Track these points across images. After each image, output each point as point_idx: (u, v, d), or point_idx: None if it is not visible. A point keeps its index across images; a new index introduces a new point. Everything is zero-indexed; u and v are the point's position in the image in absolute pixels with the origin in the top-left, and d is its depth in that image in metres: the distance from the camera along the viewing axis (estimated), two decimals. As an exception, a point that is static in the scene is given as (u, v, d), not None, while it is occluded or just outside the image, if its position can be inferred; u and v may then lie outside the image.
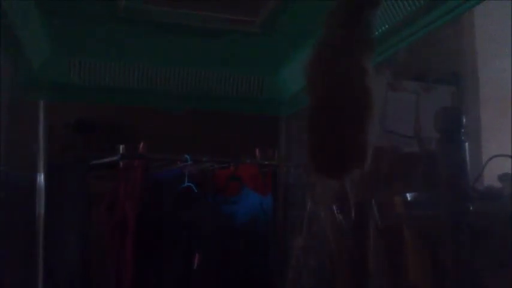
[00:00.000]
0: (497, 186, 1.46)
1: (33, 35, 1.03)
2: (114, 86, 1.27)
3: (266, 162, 2.00)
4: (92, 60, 1.23)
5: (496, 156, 1.41)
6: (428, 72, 1.98)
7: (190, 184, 1.72)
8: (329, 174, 0.80)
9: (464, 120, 1.41)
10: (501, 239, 1.21)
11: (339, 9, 0.78)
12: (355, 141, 0.75)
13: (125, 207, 1.69)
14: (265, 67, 1.32)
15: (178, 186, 1.72)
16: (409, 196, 1.46)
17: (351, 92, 0.76)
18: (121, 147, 1.74)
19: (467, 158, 1.35)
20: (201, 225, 1.74)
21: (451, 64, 2.05)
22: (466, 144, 1.36)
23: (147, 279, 1.70)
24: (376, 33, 0.91)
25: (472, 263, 1.28)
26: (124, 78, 1.26)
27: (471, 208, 1.33)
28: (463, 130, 1.37)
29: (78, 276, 1.69)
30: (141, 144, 1.79)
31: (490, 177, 1.46)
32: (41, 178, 1.29)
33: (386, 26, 0.86)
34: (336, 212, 1.46)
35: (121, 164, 1.73)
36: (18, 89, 1.27)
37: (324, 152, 0.77)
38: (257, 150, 2.05)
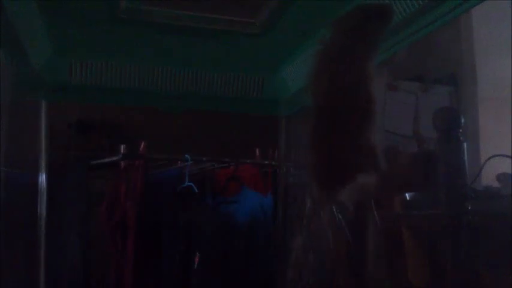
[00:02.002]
0: (496, 186, 1.47)
1: (33, 35, 1.03)
2: (115, 86, 1.28)
3: (266, 162, 2.01)
4: (92, 61, 1.23)
5: (494, 156, 1.42)
6: (427, 72, 1.99)
7: (190, 184, 1.73)
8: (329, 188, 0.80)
9: (462, 120, 1.41)
10: (499, 238, 1.22)
11: (346, 19, 0.78)
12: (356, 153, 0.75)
13: (125, 207, 1.70)
14: (265, 67, 1.32)
15: (179, 186, 1.73)
16: (408, 196, 1.47)
17: (353, 100, 0.75)
18: (122, 147, 1.74)
19: (466, 158, 1.36)
20: (201, 225, 1.74)
21: (450, 64, 2.06)
22: (465, 144, 1.37)
23: (148, 278, 1.70)
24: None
25: (471, 263, 1.29)
26: (124, 78, 1.27)
27: (469, 208, 1.33)
28: (461, 130, 1.38)
29: (79, 276, 1.69)
30: (142, 144, 1.79)
31: (488, 177, 1.47)
32: (42, 178, 1.29)
33: (386, 27, 0.86)
34: (335, 211, 1.46)
35: (122, 163, 1.73)
36: (18, 89, 1.27)
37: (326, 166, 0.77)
38: (257, 150, 2.06)
